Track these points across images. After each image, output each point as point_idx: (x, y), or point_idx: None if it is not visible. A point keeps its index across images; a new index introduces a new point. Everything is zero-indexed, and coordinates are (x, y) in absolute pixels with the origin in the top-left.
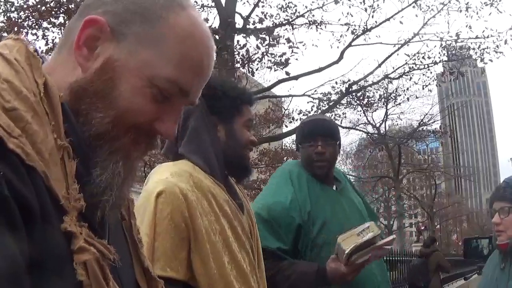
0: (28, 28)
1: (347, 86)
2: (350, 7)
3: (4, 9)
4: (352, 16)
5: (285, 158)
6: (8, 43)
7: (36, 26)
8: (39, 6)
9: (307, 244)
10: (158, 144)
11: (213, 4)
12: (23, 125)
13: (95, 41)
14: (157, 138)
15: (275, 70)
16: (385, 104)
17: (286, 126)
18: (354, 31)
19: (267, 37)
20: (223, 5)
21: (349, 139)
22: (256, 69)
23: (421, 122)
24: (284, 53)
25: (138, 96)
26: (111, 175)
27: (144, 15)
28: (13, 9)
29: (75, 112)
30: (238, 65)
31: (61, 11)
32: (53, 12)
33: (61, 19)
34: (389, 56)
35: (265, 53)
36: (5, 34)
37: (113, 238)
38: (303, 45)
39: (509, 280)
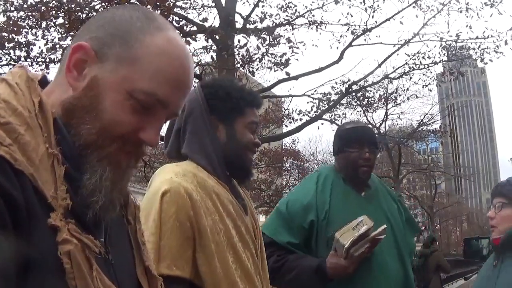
0: (28, 27)
1: (347, 86)
2: (350, 7)
3: (4, 8)
4: (352, 16)
5: (285, 158)
6: (13, 71)
7: (36, 26)
8: (39, 5)
9: (321, 242)
10: (145, 151)
11: (213, 4)
12: (15, 136)
13: (83, 63)
14: (143, 146)
15: (275, 70)
16: (385, 104)
17: (286, 126)
18: (354, 31)
19: (267, 37)
20: (223, 5)
21: None
22: (256, 69)
23: (421, 122)
24: (284, 53)
25: (119, 108)
26: (98, 179)
27: (123, 37)
28: (12, 8)
29: (67, 125)
30: (238, 65)
31: (61, 11)
32: (53, 12)
33: (61, 19)
34: (389, 56)
35: (265, 53)
36: (5, 34)
37: (115, 240)
38: (303, 45)
39: (498, 277)
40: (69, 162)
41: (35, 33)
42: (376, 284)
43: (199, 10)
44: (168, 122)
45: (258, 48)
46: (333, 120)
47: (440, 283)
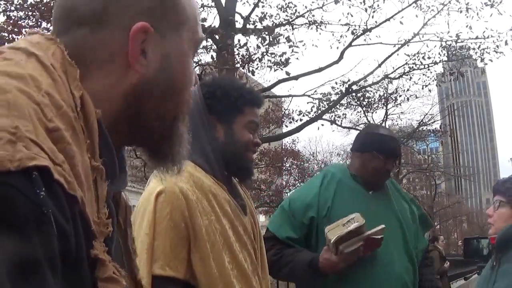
0: (28, 27)
1: (347, 86)
2: (350, 7)
3: (4, 8)
4: (352, 16)
5: (285, 158)
6: (41, 42)
7: (36, 26)
8: (39, 5)
9: (322, 238)
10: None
11: (213, 4)
12: (63, 147)
13: (143, 44)
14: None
15: (275, 70)
16: (385, 104)
17: (286, 126)
18: (354, 31)
19: (267, 37)
20: (223, 5)
21: (349, 139)
22: (256, 69)
23: (421, 122)
24: (284, 53)
25: (190, 67)
26: (184, 146)
27: (167, 2)
28: (12, 8)
29: (136, 113)
30: (238, 65)
31: None
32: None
33: None
34: (389, 56)
35: (265, 53)
36: (5, 34)
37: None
38: (303, 45)
39: (496, 280)
40: (109, 177)
41: None
42: (378, 284)
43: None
44: None
45: (258, 47)
46: (333, 120)
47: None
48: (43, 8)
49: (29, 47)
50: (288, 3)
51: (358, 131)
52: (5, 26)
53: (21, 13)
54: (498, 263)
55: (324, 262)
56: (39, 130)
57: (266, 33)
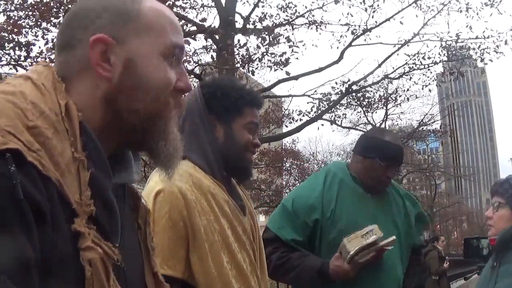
0: (28, 27)
1: (347, 86)
2: (350, 7)
3: (4, 7)
4: (352, 16)
5: (285, 158)
6: (38, 69)
7: (36, 26)
8: (39, 5)
9: (325, 241)
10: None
11: (213, 4)
12: (43, 140)
13: (105, 53)
14: (182, 96)
15: (275, 70)
16: (385, 104)
17: (286, 126)
18: (354, 31)
19: (267, 37)
20: (223, 5)
21: (349, 139)
22: (256, 69)
23: (421, 122)
24: (284, 53)
25: (161, 71)
26: (174, 142)
27: (127, 14)
28: (12, 8)
29: (116, 113)
30: (238, 65)
31: (61, 10)
32: (53, 12)
33: (61, 19)
34: (389, 56)
35: (265, 53)
36: (5, 34)
37: (127, 244)
38: (303, 45)
39: (497, 280)
40: (96, 167)
41: (35, 33)
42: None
43: (198, 10)
44: None
45: (258, 47)
46: (333, 120)
47: (437, 284)
48: (43, 8)
49: (28, 73)
50: (288, 3)
51: (359, 131)
52: (5, 26)
53: (21, 13)
54: (499, 264)
55: (335, 269)
56: (18, 126)
57: (266, 33)
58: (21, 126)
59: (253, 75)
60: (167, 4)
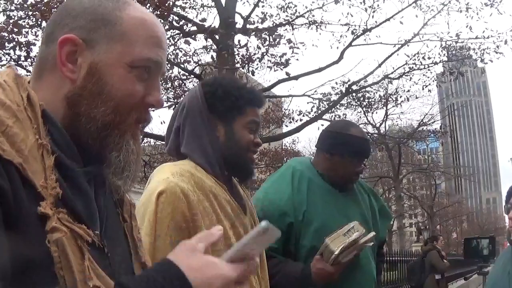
0: (28, 27)
1: (347, 86)
2: (350, 7)
3: (4, 7)
4: (352, 16)
5: (285, 158)
6: (1, 71)
7: (36, 26)
8: (39, 5)
9: (301, 244)
10: (151, 117)
11: (213, 4)
12: (3, 129)
13: (74, 55)
14: (150, 111)
15: (275, 70)
16: (385, 104)
17: (286, 126)
18: (354, 31)
19: (267, 37)
20: (223, 5)
21: None
22: (256, 69)
23: (421, 122)
24: (284, 53)
25: (126, 82)
26: (126, 154)
27: (104, 19)
28: (12, 8)
29: (76, 116)
30: (238, 65)
31: None
32: (53, 12)
33: None
34: (389, 56)
35: (265, 53)
36: (5, 34)
37: (111, 235)
38: (303, 45)
39: None
40: (62, 152)
41: (35, 33)
42: (359, 285)
43: (198, 10)
44: (168, 121)
45: (258, 48)
46: (333, 120)
47: (437, 283)
48: (43, 8)
49: None
50: (288, 3)
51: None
52: (5, 26)
53: (21, 13)
54: None
55: (318, 273)
56: None
57: (267, 33)
58: None
59: (253, 75)
60: (167, 4)
